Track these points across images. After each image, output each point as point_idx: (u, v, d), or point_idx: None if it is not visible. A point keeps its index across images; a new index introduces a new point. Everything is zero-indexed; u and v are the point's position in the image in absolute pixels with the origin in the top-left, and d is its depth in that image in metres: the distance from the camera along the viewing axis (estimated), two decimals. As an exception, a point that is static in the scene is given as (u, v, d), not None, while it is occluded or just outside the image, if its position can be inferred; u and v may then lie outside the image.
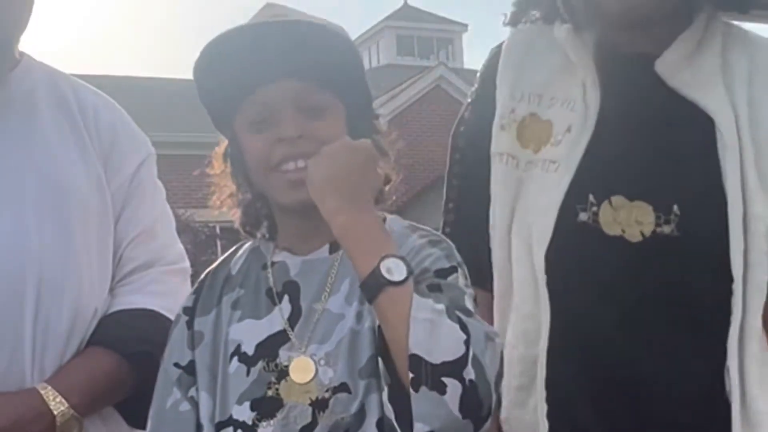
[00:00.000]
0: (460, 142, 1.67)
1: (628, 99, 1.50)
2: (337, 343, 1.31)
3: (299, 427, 1.28)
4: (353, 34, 1.44)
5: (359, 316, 1.32)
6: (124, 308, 1.56)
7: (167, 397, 1.37)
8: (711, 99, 1.48)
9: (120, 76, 17.09)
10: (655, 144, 1.48)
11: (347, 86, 1.40)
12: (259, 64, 1.34)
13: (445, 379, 1.14)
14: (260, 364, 1.33)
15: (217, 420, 1.33)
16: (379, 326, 1.23)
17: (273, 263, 1.41)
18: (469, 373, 1.15)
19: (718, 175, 1.44)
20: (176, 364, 1.38)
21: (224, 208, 1.46)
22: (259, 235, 1.46)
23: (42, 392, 1.44)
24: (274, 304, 1.37)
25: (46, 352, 1.47)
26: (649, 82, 1.50)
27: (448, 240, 1.39)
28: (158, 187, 1.71)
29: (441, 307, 1.19)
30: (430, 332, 1.16)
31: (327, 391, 1.29)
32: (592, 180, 1.47)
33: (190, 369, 1.38)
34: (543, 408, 1.44)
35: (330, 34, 1.37)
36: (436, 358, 1.15)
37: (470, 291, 1.31)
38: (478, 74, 1.68)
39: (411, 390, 1.15)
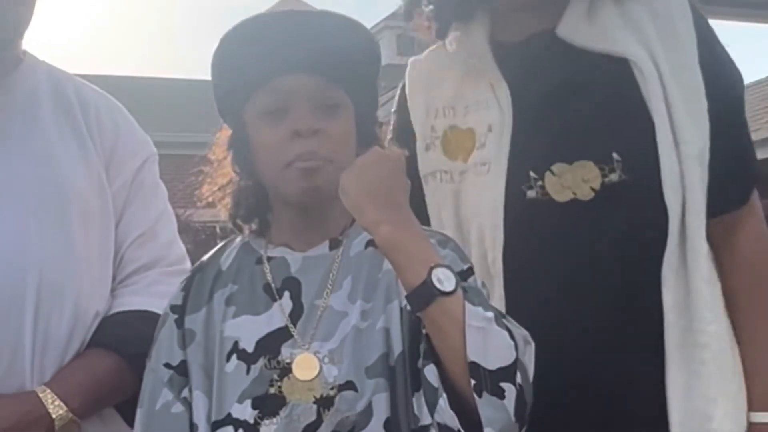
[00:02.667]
0: None
1: (537, 75, 1.52)
2: (341, 340, 1.31)
3: (303, 425, 1.27)
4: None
5: (364, 315, 1.32)
6: (124, 309, 1.56)
7: (157, 399, 1.36)
8: (621, 44, 1.50)
9: (120, 76, 17.08)
10: (578, 104, 1.49)
11: (361, 88, 1.40)
12: (280, 53, 1.33)
13: (502, 384, 1.18)
14: (261, 361, 1.32)
15: (213, 419, 1.31)
16: (426, 334, 1.23)
17: (270, 258, 1.40)
18: (518, 378, 1.19)
19: (646, 112, 1.46)
20: (167, 365, 1.37)
21: (211, 198, 1.45)
22: (246, 229, 1.45)
23: (41, 395, 1.43)
24: (273, 300, 1.36)
25: (47, 354, 1.46)
26: (555, 51, 1.53)
27: (452, 238, 1.39)
28: (160, 187, 1.70)
29: (490, 314, 1.21)
30: (484, 340, 1.19)
31: (332, 388, 1.28)
32: (528, 160, 1.48)
33: (181, 369, 1.36)
34: None
35: (355, 33, 1.38)
36: (492, 364, 1.18)
37: (486, 290, 1.33)
38: (392, 111, 1.71)
39: (475, 396, 1.18)
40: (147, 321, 1.50)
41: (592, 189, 1.45)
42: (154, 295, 1.56)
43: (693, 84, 1.48)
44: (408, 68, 1.70)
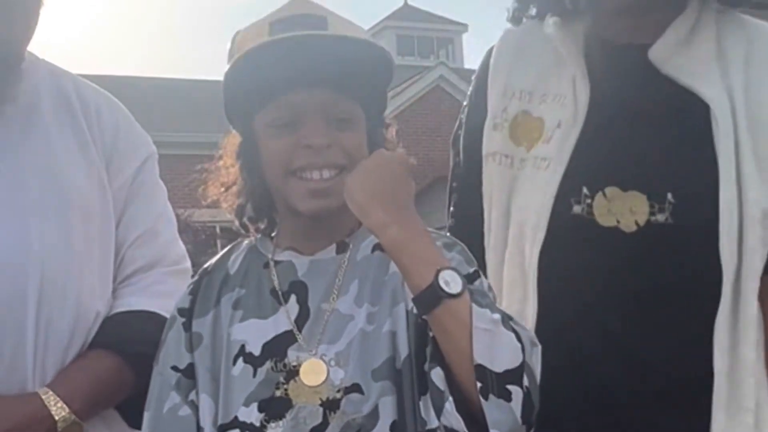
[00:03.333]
0: (458, 146, 1.66)
1: (619, 89, 1.49)
2: (348, 343, 1.31)
3: (309, 427, 1.27)
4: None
5: (370, 318, 1.32)
6: (125, 310, 1.55)
7: (164, 402, 1.36)
8: (706, 85, 1.46)
9: (121, 76, 17.10)
10: (649, 133, 1.46)
11: (373, 99, 1.40)
12: (295, 67, 1.32)
13: (509, 387, 1.18)
14: (268, 364, 1.32)
15: (220, 422, 1.32)
16: (433, 337, 1.23)
17: (276, 262, 1.40)
18: (525, 380, 1.19)
19: (714, 161, 1.42)
20: (174, 368, 1.37)
21: (214, 196, 1.44)
22: (252, 228, 1.45)
23: (43, 397, 1.43)
24: (280, 304, 1.36)
25: (48, 353, 1.46)
26: (642, 72, 1.49)
27: (459, 241, 1.39)
28: (160, 186, 1.70)
29: (497, 317, 1.21)
30: (491, 342, 1.19)
31: (338, 391, 1.28)
32: (586, 173, 1.46)
33: (189, 372, 1.36)
34: None
35: (371, 51, 1.37)
36: (498, 366, 1.18)
37: (493, 294, 1.33)
38: (473, 77, 1.68)
39: (481, 398, 1.18)
40: (148, 321, 1.51)
41: (636, 223, 1.42)
42: (154, 295, 1.56)
43: (767, 140, 1.43)
44: (500, 38, 1.64)
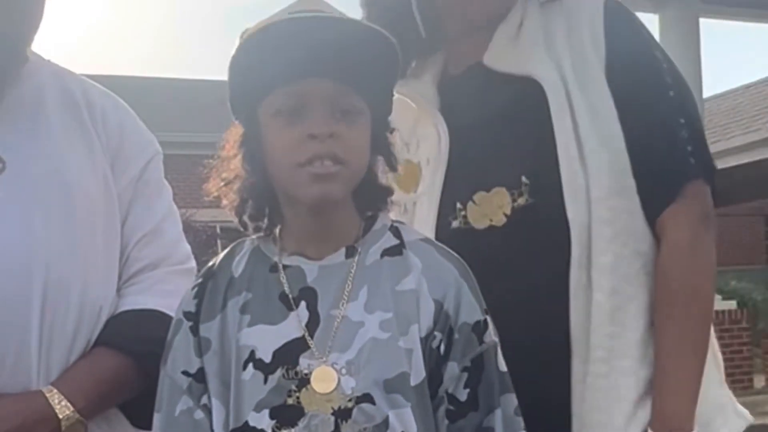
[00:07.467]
0: None
1: (469, 107, 1.59)
2: (358, 351, 1.30)
3: None
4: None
5: (384, 325, 1.31)
6: (130, 308, 1.55)
7: (175, 405, 1.36)
8: (535, 65, 1.53)
9: (121, 76, 17.07)
10: (497, 132, 1.55)
11: (379, 98, 1.39)
12: (303, 55, 1.31)
13: None
14: (279, 371, 1.31)
15: (231, 427, 1.32)
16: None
17: (285, 266, 1.38)
18: None
19: (553, 130, 1.49)
20: (185, 372, 1.36)
21: (217, 193, 1.42)
22: (251, 228, 1.42)
23: (47, 395, 1.43)
24: (290, 310, 1.35)
25: (52, 351, 1.46)
26: (484, 82, 1.58)
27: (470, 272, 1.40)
28: (165, 186, 1.69)
29: None
30: None
31: (350, 400, 1.28)
32: (456, 191, 1.56)
33: (199, 376, 1.36)
34: None
35: (379, 42, 1.35)
36: None
37: (497, 342, 1.36)
38: None
39: None
40: (153, 320, 1.51)
41: (505, 214, 1.51)
42: (159, 294, 1.56)
43: (599, 94, 1.49)
44: None
